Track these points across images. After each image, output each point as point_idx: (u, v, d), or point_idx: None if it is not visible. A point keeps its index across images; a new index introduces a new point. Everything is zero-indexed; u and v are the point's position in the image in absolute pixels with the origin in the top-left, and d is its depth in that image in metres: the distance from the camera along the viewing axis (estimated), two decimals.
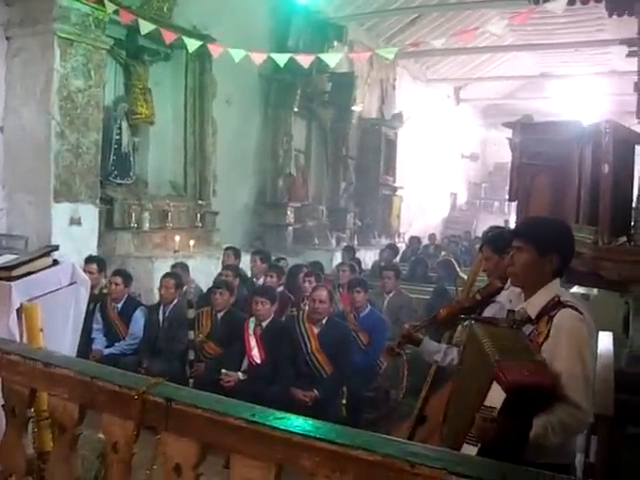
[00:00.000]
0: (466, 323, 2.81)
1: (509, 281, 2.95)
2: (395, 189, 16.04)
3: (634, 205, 4.25)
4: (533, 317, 2.54)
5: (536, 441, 2.29)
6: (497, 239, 3.40)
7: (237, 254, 8.10)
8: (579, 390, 2.34)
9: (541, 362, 2.35)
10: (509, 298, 2.89)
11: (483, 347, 2.41)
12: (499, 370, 2.25)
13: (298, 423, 1.73)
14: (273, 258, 8.31)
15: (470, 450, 2.37)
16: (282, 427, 1.70)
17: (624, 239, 4.20)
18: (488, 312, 3.11)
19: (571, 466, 2.62)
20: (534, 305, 2.56)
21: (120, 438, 2.05)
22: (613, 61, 17.60)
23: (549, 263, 2.56)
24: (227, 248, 8.31)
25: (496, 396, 2.28)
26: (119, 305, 6.46)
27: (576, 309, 2.47)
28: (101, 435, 2.20)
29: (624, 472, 3.28)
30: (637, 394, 3.83)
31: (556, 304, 2.49)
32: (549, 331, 2.45)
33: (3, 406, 2.44)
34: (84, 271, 4.66)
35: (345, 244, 12.39)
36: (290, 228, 12.12)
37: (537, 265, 2.57)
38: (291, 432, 1.68)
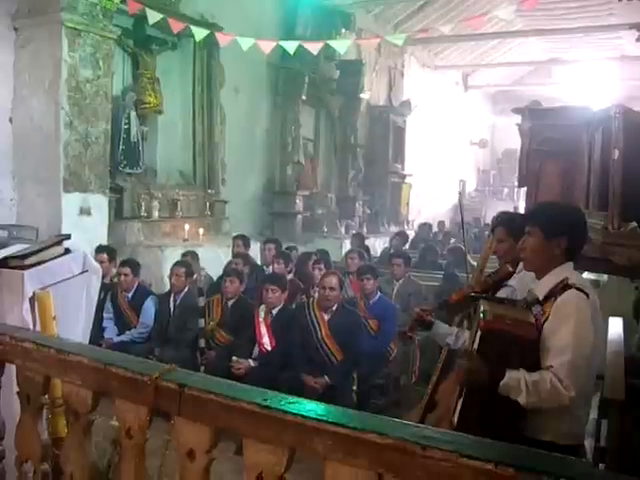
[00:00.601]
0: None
1: (520, 265, 2.96)
2: (404, 176, 16.00)
3: None
4: (541, 298, 2.56)
5: (507, 392, 2.37)
6: (510, 221, 3.39)
7: (246, 242, 8.10)
8: (566, 365, 2.35)
9: (531, 323, 2.46)
10: (524, 281, 2.90)
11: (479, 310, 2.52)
12: (483, 318, 2.44)
13: (310, 407, 1.74)
14: (284, 247, 8.31)
15: (459, 405, 2.51)
16: (294, 411, 1.71)
17: (634, 224, 4.19)
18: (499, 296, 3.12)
19: (580, 448, 2.62)
20: (542, 287, 2.60)
21: (134, 424, 2.07)
22: (623, 45, 17.46)
23: (557, 246, 2.58)
24: (236, 237, 8.29)
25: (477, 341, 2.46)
26: (129, 294, 6.50)
27: (582, 290, 2.48)
28: (114, 422, 2.22)
29: (635, 456, 3.28)
30: None
31: (564, 286, 2.51)
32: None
33: (18, 393, 2.46)
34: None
35: (354, 232, 12.37)
36: (299, 216, 12.10)
37: (545, 248, 2.59)
38: (303, 416, 1.69)
